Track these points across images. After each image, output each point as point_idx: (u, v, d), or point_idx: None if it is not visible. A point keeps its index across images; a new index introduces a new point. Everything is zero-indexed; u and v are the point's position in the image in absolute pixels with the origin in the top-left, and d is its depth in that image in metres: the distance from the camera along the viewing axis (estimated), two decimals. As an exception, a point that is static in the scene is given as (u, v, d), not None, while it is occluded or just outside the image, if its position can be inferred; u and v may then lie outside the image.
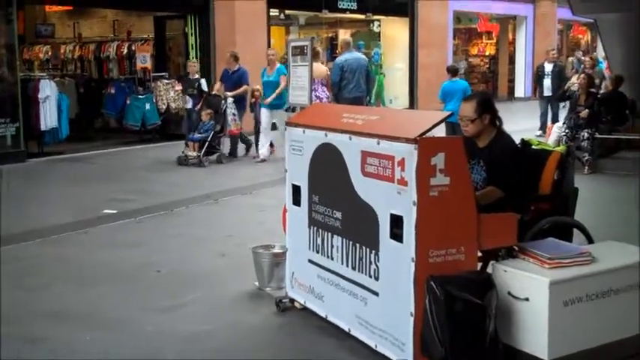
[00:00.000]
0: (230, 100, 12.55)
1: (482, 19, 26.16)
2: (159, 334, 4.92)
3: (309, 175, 4.97)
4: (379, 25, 21.55)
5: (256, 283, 5.76)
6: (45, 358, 4.56)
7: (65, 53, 19.00)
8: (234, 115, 12.57)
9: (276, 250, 5.74)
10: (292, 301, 5.25)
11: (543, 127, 15.19)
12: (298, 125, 5.16)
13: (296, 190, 5.14)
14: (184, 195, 9.60)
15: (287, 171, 5.28)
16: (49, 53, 19.10)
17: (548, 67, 15.80)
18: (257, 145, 12.80)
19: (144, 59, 16.58)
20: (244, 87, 12.84)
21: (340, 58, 12.28)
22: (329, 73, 12.51)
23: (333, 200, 4.71)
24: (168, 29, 17.32)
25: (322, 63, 19.72)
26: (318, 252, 4.88)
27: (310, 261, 4.98)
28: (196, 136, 12.36)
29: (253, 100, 13.03)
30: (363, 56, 13.03)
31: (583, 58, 24.52)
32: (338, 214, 4.65)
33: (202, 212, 8.90)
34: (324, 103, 9.37)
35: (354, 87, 11.92)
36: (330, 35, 21.74)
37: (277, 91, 12.04)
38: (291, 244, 5.29)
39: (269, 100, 12.22)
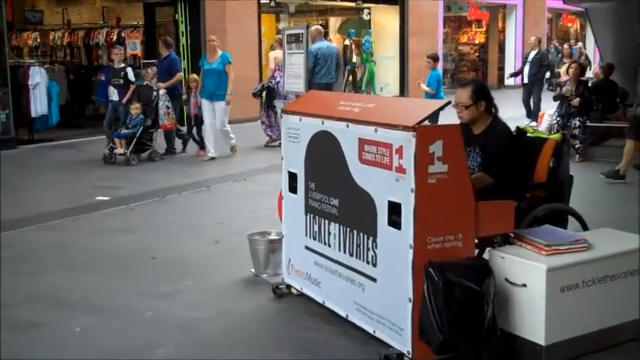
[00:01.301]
0: (162, 91, 11.57)
1: (472, 8, 26.17)
2: (155, 320, 4.94)
3: (306, 162, 4.98)
4: (369, 13, 21.52)
5: (252, 270, 5.78)
6: (40, 344, 4.57)
7: (54, 40, 18.91)
8: (167, 108, 11.59)
9: (272, 236, 5.75)
10: (289, 287, 5.27)
11: (529, 115, 15.22)
12: (294, 113, 5.17)
13: (292, 177, 5.15)
14: (176, 182, 9.59)
15: (283, 158, 5.28)
16: (38, 40, 19.00)
17: (531, 55, 15.88)
18: (197, 142, 11.90)
19: (134, 46, 16.54)
20: (177, 75, 11.93)
21: (314, 46, 12.43)
22: None
23: (330, 187, 4.72)
24: (159, 16, 17.24)
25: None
26: (315, 239, 4.90)
27: (307, 248, 5.00)
28: (123, 131, 11.26)
29: (187, 91, 11.96)
30: (334, 45, 13.46)
31: (559, 47, 24.59)
32: (335, 202, 4.66)
33: (194, 199, 8.90)
34: (320, 91, 9.36)
35: (325, 73, 12.53)
36: (320, 23, 21.67)
37: (230, 87, 11.34)
38: (288, 230, 5.30)
39: (229, 96, 11.36)
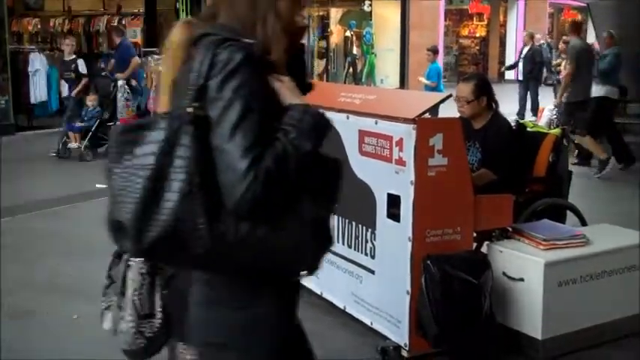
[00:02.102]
0: (121, 82, 10.83)
1: (473, 1, 26.14)
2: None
3: (306, 153, 4.97)
4: (370, 5, 21.49)
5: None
6: (37, 331, 4.57)
7: (54, 26, 18.86)
8: (126, 100, 10.84)
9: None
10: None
11: (522, 110, 15.12)
12: (295, 103, 5.15)
13: (292, 168, 5.14)
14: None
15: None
16: (39, 26, 18.95)
17: (524, 51, 15.65)
18: None
19: (134, 34, 16.49)
20: (133, 61, 11.13)
21: None
22: None
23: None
24: (159, 4, 17.20)
25: (314, 41, 19.75)
26: (312, 231, 4.89)
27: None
28: (77, 125, 10.53)
29: (149, 82, 11.11)
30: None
31: (552, 42, 24.45)
32: (334, 193, 4.65)
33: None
34: (320, 82, 9.34)
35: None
36: (321, 14, 21.65)
37: None
38: (286, 221, 5.29)
39: None
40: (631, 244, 4.41)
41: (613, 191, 8.96)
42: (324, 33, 21.42)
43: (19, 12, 19.19)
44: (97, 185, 8.62)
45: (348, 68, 21.21)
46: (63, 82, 11.13)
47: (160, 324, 2.21)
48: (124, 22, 17.14)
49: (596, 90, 10.25)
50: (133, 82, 10.78)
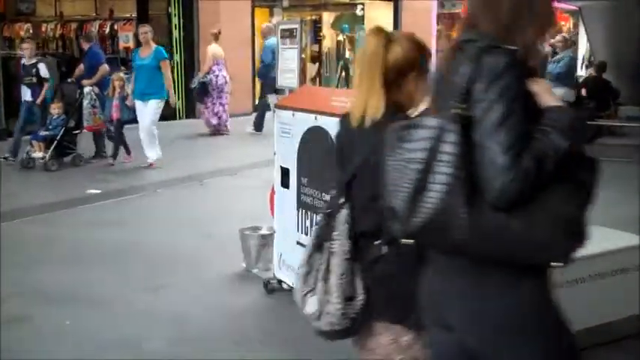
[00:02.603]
0: (88, 89, 10.36)
1: (465, 4, 26.19)
2: (146, 314, 4.93)
3: (298, 157, 4.98)
4: (363, 9, 21.51)
5: (244, 265, 5.77)
6: (29, 337, 4.56)
7: (46, 32, 18.83)
8: (93, 107, 10.35)
9: (264, 231, 5.75)
10: (280, 282, 5.28)
11: None
12: (287, 108, 5.16)
13: (284, 172, 5.14)
14: (168, 176, 9.58)
15: (275, 153, 5.28)
16: (30, 31, 18.91)
17: None
18: (125, 147, 10.49)
19: (126, 39, 16.49)
20: (101, 69, 10.65)
21: (269, 42, 12.93)
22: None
23: (323, 183, 4.72)
24: (151, 9, 17.17)
25: (306, 45, 19.77)
26: (306, 234, 4.90)
27: (299, 243, 4.99)
28: (41, 133, 9.96)
29: (112, 92, 10.33)
30: None
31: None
32: (327, 197, 4.65)
33: (186, 193, 8.88)
34: (313, 86, 9.35)
35: None
36: (313, 18, 21.66)
37: (168, 86, 10.23)
38: (279, 226, 5.30)
39: (172, 98, 10.51)
40: (626, 246, 4.42)
41: (604, 193, 8.96)
42: (317, 37, 21.43)
43: (10, 17, 19.16)
44: (88, 191, 8.62)
45: (341, 72, 21.21)
46: (24, 87, 10.50)
47: (362, 305, 2.55)
48: (116, 27, 17.13)
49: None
50: (96, 89, 10.39)
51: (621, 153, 11.06)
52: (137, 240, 6.66)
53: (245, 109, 16.13)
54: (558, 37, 12.19)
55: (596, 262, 4.25)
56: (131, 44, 16.46)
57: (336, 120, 4.45)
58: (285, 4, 20.00)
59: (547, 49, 12.60)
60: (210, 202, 8.42)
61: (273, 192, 5.40)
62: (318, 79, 21.02)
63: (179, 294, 5.33)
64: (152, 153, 10.06)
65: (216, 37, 13.64)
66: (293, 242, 5.06)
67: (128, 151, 10.49)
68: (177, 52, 15.87)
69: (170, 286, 5.48)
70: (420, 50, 2.72)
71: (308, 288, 2.62)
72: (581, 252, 4.14)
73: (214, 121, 13.27)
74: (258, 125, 13.35)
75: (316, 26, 21.61)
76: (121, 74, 10.78)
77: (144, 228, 7.19)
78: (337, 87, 20.38)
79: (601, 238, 4.54)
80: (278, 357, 4.29)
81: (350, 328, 2.62)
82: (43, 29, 18.82)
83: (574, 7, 17.57)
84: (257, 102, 13.84)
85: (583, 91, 11.92)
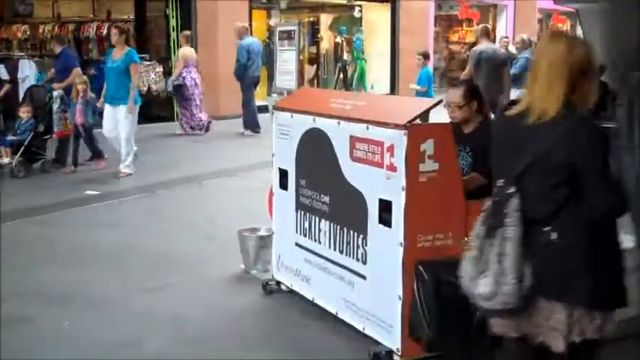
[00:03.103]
0: (58, 93, 10.08)
1: (463, 6, 26.22)
2: (145, 315, 4.94)
3: (297, 159, 4.99)
4: (360, 11, 21.53)
5: (242, 266, 5.78)
6: (28, 339, 4.56)
7: (44, 33, 18.81)
8: (63, 112, 10.01)
9: (263, 233, 5.76)
10: (279, 283, 5.28)
11: None
12: (286, 110, 5.17)
13: (283, 174, 5.15)
14: (166, 177, 9.59)
15: (274, 155, 5.29)
16: (28, 33, 18.90)
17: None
18: (94, 151, 10.20)
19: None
20: (74, 73, 10.26)
21: (245, 42, 13.15)
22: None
23: (321, 184, 4.73)
24: (149, 10, 17.18)
25: (304, 47, 19.80)
26: (305, 235, 4.91)
27: (297, 244, 5.01)
28: (8, 138, 9.55)
29: (75, 96, 9.90)
30: (259, 41, 14.12)
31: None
32: (326, 199, 4.67)
33: (185, 195, 8.89)
34: (312, 88, 9.39)
35: (256, 68, 13.16)
36: (311, 19, 21.68)
37: (132, 95, 9.52)
38: (278, 227, 5.31)
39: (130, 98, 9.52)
40: (624, 247, 4.41)
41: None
42: (315, 39, 21.44)
43: (8, 18, 19.15)
44: (86, 192, 8.63)
45: (339, 74, 21.23)
46: None
47: (530, 285, 2.82)
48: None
49: (512, 94, 10.47)
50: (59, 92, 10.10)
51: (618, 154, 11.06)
52: (136, 241, 6.66)
53: (240, 110, 16.14)
54: (517, 39, 12.40)
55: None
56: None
57: (335, 122, 4.50)
58: (283, 5, 20.03)
59: (513, 49, 12.55)
60: (209, 204, 8.42)
61: (271, 193, 5.41)
62: (315, 81, 21.04)
63: (178, 295, 5.33)
64: (126, 164, 9.62)
65: (186, 39, 14.06)
66: (292, 244, 5.06)
67: (99, 157, 10.15)
68: (175, 54, 15.85)
69: (169, 287, 5.48)
70: (593, 53, 2.96)
71: (479, 271, 2.86)
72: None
73: (191, 122, 13.62)
74: (253, 125, 13.46)
75: (314, 28, 21.63)
76: (84, 77, 10.36)
77: (143, 229, 7.19)
78: (335, 89, 20.40)
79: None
80: (277, 358, 4.30)
81: (519, 307, 2.87)
82: (41, 31, 18.80)
83: (571, 9, 17.58)
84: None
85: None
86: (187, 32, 14.40)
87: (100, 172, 9.89)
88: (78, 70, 10.47)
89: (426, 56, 12.34)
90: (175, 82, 13.46)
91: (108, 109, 9.65)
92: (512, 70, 10.94)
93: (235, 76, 13.46)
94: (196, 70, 13.68)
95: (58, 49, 10.82)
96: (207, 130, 13.63)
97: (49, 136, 10.00)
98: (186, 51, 13.70)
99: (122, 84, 9.49)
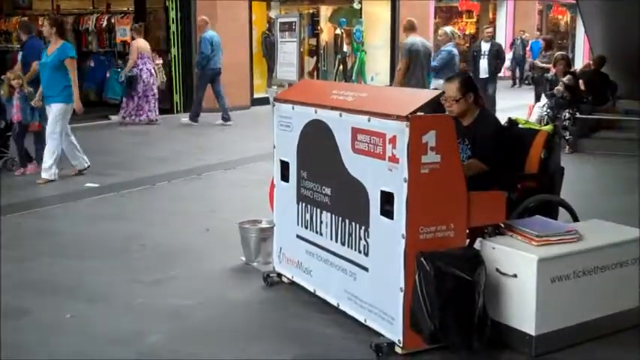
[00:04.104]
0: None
1: (462, -2, 26.19)
2: (145, 307, 4.93)
3: (298, 151, 4.98)
4: (360, 2, 21.47)
5: (243, 258, 5.78)
6: (29, 331, 4.56)
7: (43, 25, 18.74)
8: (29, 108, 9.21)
9: (263, 225, 5.75)
10: (280, 275, 5.28)
11: None
12: (287, 101, 5.16)
13: (284, 165, 5.14)
14: (166, 169, 9.57)
15: (275, 147, 5.27)
16: (27, 25, 18.83)
17: (485, 47, 14.29)
18: (22, 156, 9.40)
19: (124, 32, 16.44)
20: (34, 66, 9.46)
21: (207, 34, 13.77)
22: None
23: (323, 176, 4.72)
24: (149, 2, 17.13)
25: (304, 39, 19.75)
26: (306, 227, 4.90)
27: (298, 236, 5.00)
28: None
29: (9, 92, 9.17)
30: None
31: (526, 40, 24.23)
32: (327, 190, 4.66)
33: (185, 187, 8.88)
34: (313, 80, 9.38)
35: (218, 60, 13.87)
36: (311, 11, 21.63)
37: (74, 90, 8.85)
38: (279, 219, 5.30)
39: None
40: (623, 239, 4.42)
41: (604, 187, 9.00)
42: (315, 31, 21.40)
43: (7, 10, 19.10)
44: (86, 184, 8.62)
45: (339, 66, 21.21)
46: None
47: None
48: (113, 20, 17.08)
49: (433, 84, 10.74)
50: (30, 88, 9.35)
51: (620, 147, 11.09)
52: (136, 233, 6.65)
53: (243, 102, 16.13)
54: (440, 32, 12.65)
55: (596, 256, 4.25)
56: (128, 38, 16.41)
57: (336, 113, 4.48)
58: (283, -3, 19.98)
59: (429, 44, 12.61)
60: (209, 196, 8.41)
61: (272, 185, 5.39)
62: (316, 73, 21.01)
63: (178, 287, 5.32)
64: (75, 161, 9.15)
65: (138, 32, 14.47)
66: (293, 236, 5.06)
67: (26, 162, 9.35)
68: (174, 46, 15.85)
69: (169, 279, 5.48)
70: None
71: None
72: (583, 246, 4.20)
73: (143, 113, 14.04)
74: (194, 115, 14.00)
75: (314, 20, 21.58)
76: (18, 72, 9.49)
77: (143, 221, 7.18)
78: (335, 80, 20.37)
79: (601, 231, 4.57)
80: (278, 350, 4.29)
81: None
82: (40, 23, 18.72)
83: (571, 1, 17.56)
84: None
85: (582, 85, 11.90)
86: (139, 24, 14.96)
87: (25, 177, 9.17)
88: (37, 64, 9.36)
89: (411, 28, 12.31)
90: (129, 73, 13.85)
91: (47, 108, 8.97)
92: (434, 63, 11.17)
93: (198, 67, 14.08)
94: (151, 61, 14.21)
95: (24, 38, 10.04)
96: (148, 122, 14.04)
97: (9, 133, 9.40)
98: (140, 43, 14.12)
99: (56, 81, 8.77)
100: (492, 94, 13.92)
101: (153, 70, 14.16)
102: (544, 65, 15.09)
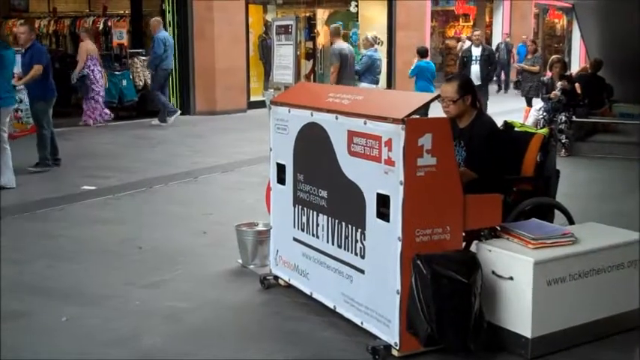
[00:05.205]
0: (17, 88, 9.56)
1: (459, 2, 26.23)
2: (142, 309, 4.93)
3: (295, 154, 4.98)
4: (357, 6, 21.50)
5: (239, 261, 5.78)
6: (26, 333, 4.55)
7: (40, 28, 18.77)
8: (15, 111, 9.33)
9: (260, 227, 5.75)
10: (276, 278, 5.28)
11: None
12: (283, 104, 5.16)
13: (281, 168, 5.15)
14: (163, 172, 9.57)
15: (271, 150, 5.28)
16: (24, 27, 18.82)
17: (476, 52, 13.81)
18: None
19: (120, 35, 16.45)
20: (35, 68, 9.31)
21: (160, 35, 14.08)
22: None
23: (319, 179, 4.73)
24: (145, 5, 17.15)
25: (300, 42, 19.74)
26: (303, 230, 4.91)
27: (295, 239, 5.00)
28: None
29: None
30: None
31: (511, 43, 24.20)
32: (324, 193, 4.67)
33: (181, 190, 8.88)
34: (309, 83, 9.40)
35: (170, 61, 14.26)
36: (308, 14, 21.64)
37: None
38: (276, 222, 5.30)
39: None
40: (619, 242, 4.44)
41: (600, 190, 9.02)
42: (311, 34, 21.41)
43: (3, 13, 19.10)
44: (83, 187, 8.61)
45: (335, 69, 21.18)
46: None
47: None
48: (109, 23, 17.09)
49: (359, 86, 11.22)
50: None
51: (616, 150, 11.12)
52: (133, 236, 6.65)
53: (240, 105, 16.13)
54: (362, 37, 13.19)
55: (592, 258, 4.26)
56: (125, 41, 16.44)
57: (333, 116, 4.49)
58: (279, 0, 19.99)
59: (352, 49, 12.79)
60: (206, 199, 8.41)
61: (269, 188, 5.40)
62: (312, 76, 21.01)
63: (175, 290, 5.32)
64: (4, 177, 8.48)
65: (88, 32, 14.76)
66: (289, 238, 5.06)
67: None
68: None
69: (166, 282, 5.48)
70: None
71: None
72: (579, 248, 4.21)
73: (96, 113, 14.17)
74: (162, 115, 14.19)
75: (310, 23, 21.58)
76: None
77: (140, 224, 7.18)
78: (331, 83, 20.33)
79: (597, 234, 4.58)
80: (274, 352, 4.29)
81: None
82: (37, 25, 18.75)
83: (567, 5, 17.60)
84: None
85: (578, 89, 11.93)
86: (87, 26, 15.49)
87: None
88: (39, 67, 9.35)
89: (421, 53, 12.80)
90: (79, 74, 13.95)
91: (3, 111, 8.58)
92: (357, 67, 11.81)
93: (150, 67, 14.39)
94: (100, 63, 14.38)
95: (28, 43, 9.69)
96: (108, 120, 14.26)
97: None
98: (89, 45, 14.31)
99: None
100: (485, 101, 13.11)
101: (102, 72, 14.34)
102: (530, 68, 15.11)
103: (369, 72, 11.77)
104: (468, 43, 17.01)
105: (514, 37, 25.35)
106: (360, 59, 12.08)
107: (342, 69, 11.47)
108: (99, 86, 14.13)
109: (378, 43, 12.71)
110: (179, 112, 14.58)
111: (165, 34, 14.36)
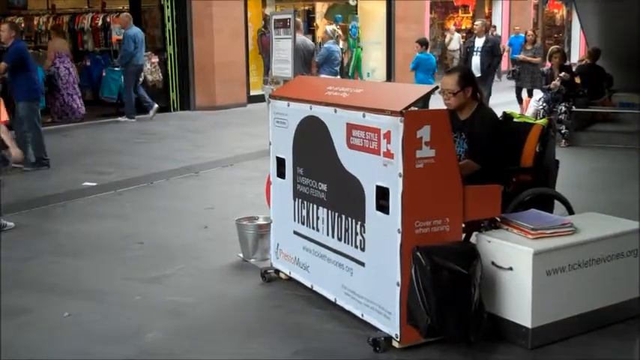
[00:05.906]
0: None
1: (458, -7, 26.18)
2: (144, 304, 4.95)
3: (294, 147, 4.99)
4: (356, -1, 21.47)
5: (240, 255, 5.79)
6: (28, 329, 4.57)
7: (38, 25, 18.73)
8: None
9: (261, 221, 5.77)
10: (277, 271, 5.30)
11: None
12: (282, 98, 5.17)
13: (280, 162, 5.16)
14: (164, 167, 9.58)
15: (271, 144, 5.29)
16: (22, 25, 18.82)
17: (479, 43, 13.36)
18: None
19: (119, 32, 16.41)
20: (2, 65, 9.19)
21: (131, 32, 14.06)
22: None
23: (319, 172, 4.74)
24: (144, 1, 17.10)
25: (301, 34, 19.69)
26: (303, 223, 4.92)
27: (295, 232, 5.02)
28: None
29: None
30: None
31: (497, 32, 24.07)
32: (323, 186, 4.68)
33: (182, 185, 8.89)
34: (308, 76, 9.37)
35: (141, 56, 14.15)
36: (306, 8, 21.61)
37: None
38: (276, 215, 5.32)
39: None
40: (618, 231, 4.45)
41: (599, 180, 9.02)
42: (310, 27, 21.38)
43: (2, 11, 19.06)
44: (84, 183, 8.63)
45: (335, 62, 21.15)
46: None
47: None
48: (108, 19, 17.06)
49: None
50: None
51: (616, 140, 11.12)
52: (134, 231, 6.67)
53: (239, 100, 16.12)
54: (322, 30, 13.45)
55: (592, 248, 4.27)
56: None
57: (331, 109, 4.50)
58: (278, -6, 19.95)
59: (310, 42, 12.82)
60: (207, 193, 8.42)
61: (269, 182, 5.41)
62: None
63: (176, 285, 5.34)
64: None
65: (56, 32, 14.82)
66: (290, 232, 5.08)
67: None
68: (170, 44, 15.82)
69: (167, 276, 5.50)
70: None
71: None
72: (578, 238, 4.22)
73: (61, 111, 14.01)
74: (130, 112, 14.16)
75: (309, 16, 21.55)
76: None
77: (141, 219, 7.20)
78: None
79: (596, 224, 4.59)
80: (276, 345, 4.31)
81: None
82: (35, 23, 18.72)
83: (567, -5, 17.57)
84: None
85: (577, 79, 11.92)
86: (57, 24, 15.48)
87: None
88: (3, 64, 9.19)
89: (423, 43, 12.84)
90: (48, 73, 13.77)
91: None
92: (316, 59, 11.97)
93: (120, 64, 14.32)
94: (70, 60, 14.23)
95: (9, 41, 9.42)
96: (81, 119, 14.08)
97: None
98: (58, 42, 14.27)
99: None
100: (487, 96, 12.69)
101: (71, 69, 14.16)
102: (531, 59, 15.03)
103: (328, 64, 12.03)
104: (456, 35, 16.93)
105: (512, 29, 25.29)
106: (320, 51, 12.33)
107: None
108: (68, 84, 13.98)
109: (337, 37, 12.91)
110: (157, 106, 14.45)
111: (136, 30, 14.21)
